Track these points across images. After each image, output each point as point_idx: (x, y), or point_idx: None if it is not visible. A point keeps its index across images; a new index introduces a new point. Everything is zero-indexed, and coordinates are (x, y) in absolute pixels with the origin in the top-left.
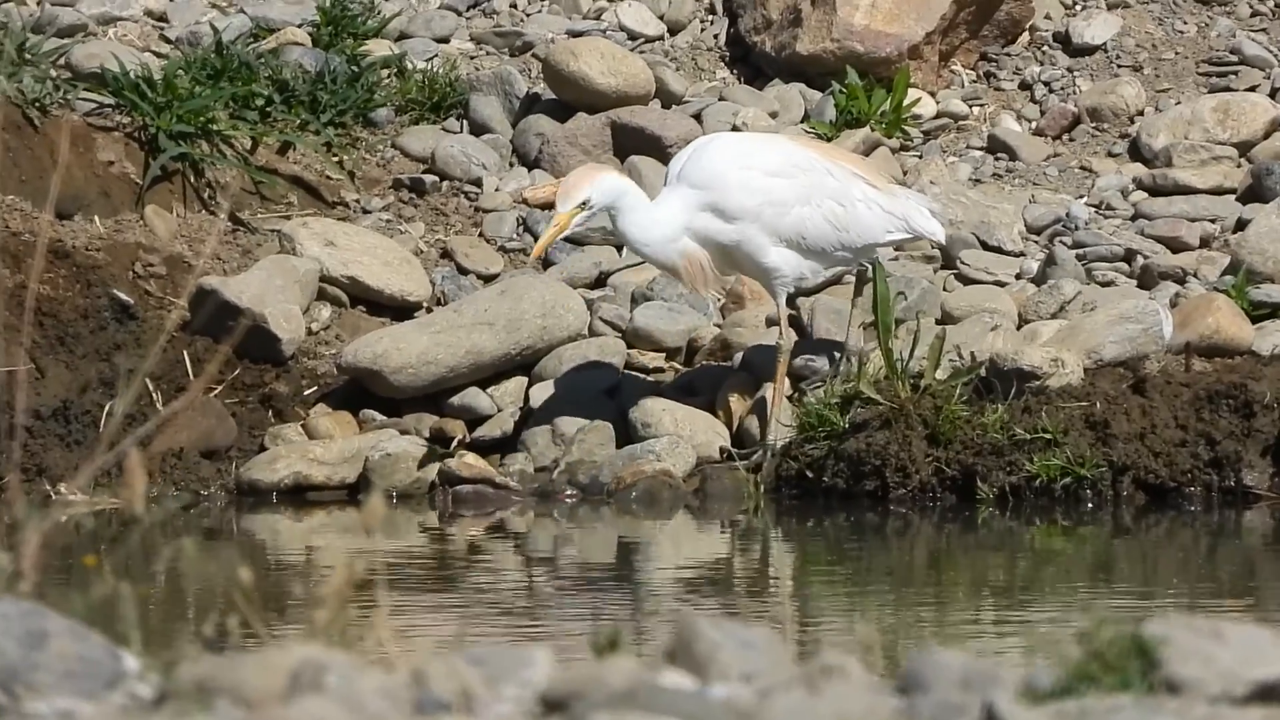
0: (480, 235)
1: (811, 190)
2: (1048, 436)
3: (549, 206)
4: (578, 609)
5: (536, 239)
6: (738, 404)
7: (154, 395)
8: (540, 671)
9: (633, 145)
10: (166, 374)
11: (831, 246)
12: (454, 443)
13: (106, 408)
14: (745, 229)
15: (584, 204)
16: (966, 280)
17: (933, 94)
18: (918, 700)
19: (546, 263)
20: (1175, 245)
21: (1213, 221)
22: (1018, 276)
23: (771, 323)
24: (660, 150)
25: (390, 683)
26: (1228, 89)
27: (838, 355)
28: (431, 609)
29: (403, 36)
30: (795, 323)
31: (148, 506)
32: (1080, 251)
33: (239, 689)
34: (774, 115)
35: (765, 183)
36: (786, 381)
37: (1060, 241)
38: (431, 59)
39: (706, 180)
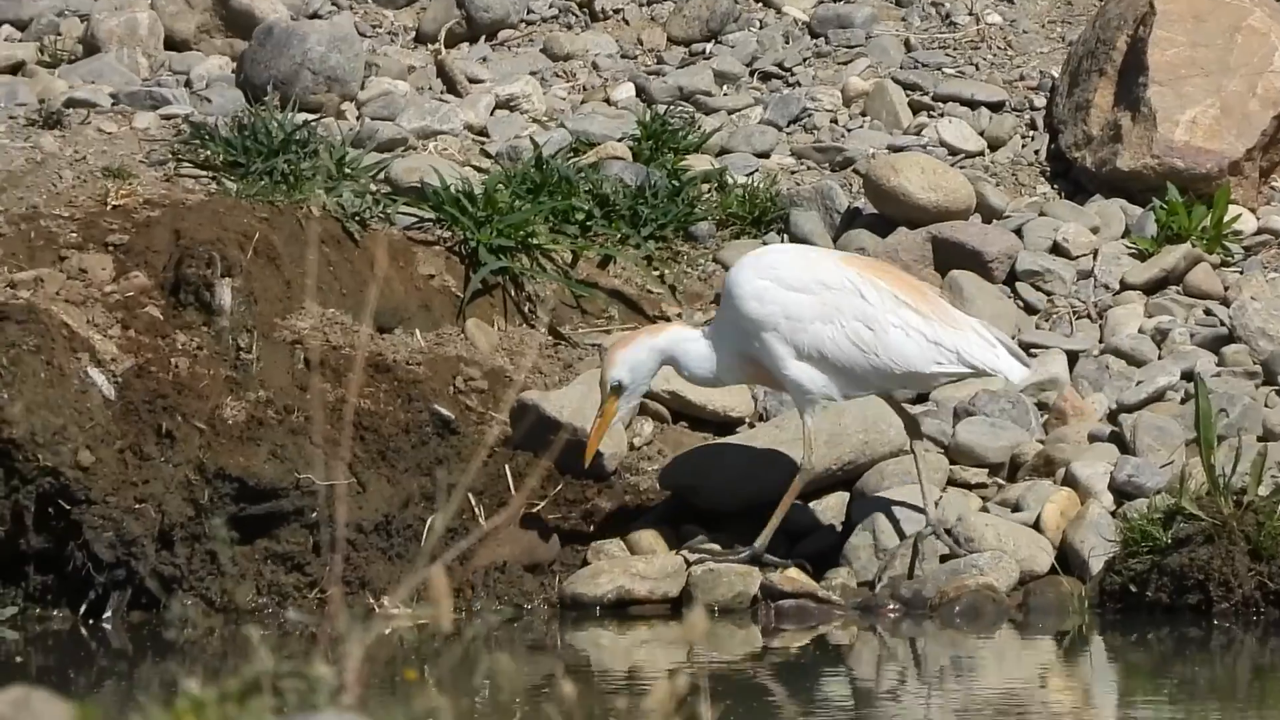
0: None
1: (835, 310)
2: None
3: None
4: None
5: None
6: (1061, 519)
7: (476, 510)
8: None
9: (954, 260)
10: (488, 488)
11: (860, 369)
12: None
13: (428, 522)
14: (766, 338)
15: (618, 387)
16: None
17: (1253, 210)
18: None
19: None
20: None
21: None
22: None
23: (1095, 438)
24: (981, 265)
25: None
26: None
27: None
28: None
29: (723, 151)
30: (1118, 439)
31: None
32: None
33: None
34: (1095, 230)
35: (780, 295)
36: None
37: None
38: (752, 173)
39: (729, 293)
